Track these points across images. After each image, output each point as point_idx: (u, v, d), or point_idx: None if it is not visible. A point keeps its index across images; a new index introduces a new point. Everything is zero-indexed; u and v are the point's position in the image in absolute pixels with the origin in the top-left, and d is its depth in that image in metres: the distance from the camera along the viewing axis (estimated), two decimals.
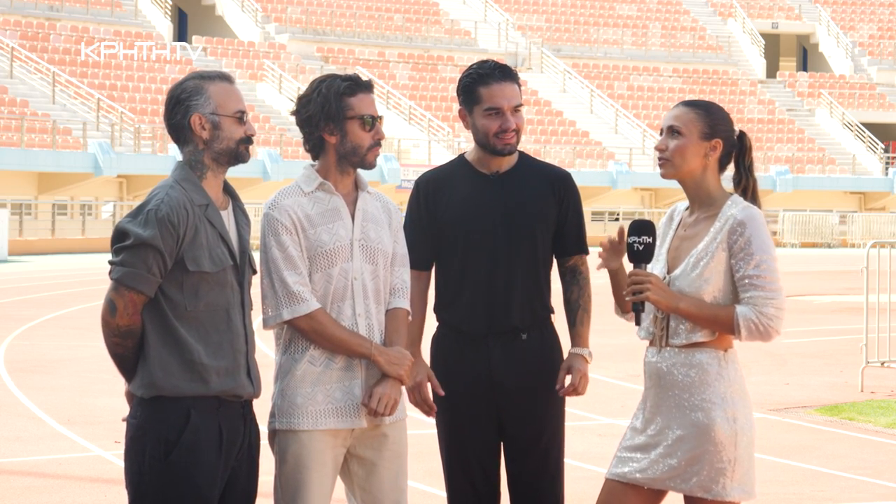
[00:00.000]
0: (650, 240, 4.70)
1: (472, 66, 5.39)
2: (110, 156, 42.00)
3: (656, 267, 4.80)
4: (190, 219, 4.46)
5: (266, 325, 4.84)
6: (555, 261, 5.46)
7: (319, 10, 58.98)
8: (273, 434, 4.85)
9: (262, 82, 52.89)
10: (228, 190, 4.68)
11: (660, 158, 4.76)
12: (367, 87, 4.91)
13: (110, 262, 4.45)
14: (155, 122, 45.62)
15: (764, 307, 4.62)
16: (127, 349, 4.47)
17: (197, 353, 4.46)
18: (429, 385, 5.34)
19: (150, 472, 4.45)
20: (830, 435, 10.53)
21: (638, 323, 4.77)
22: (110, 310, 4.43)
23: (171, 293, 4.46)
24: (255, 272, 4.72)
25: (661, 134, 4.78)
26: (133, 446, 4.49)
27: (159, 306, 4.46)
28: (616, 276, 4.91)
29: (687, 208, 4.86)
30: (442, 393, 5.30)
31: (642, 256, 4.70)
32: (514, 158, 5.41)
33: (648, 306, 4.75)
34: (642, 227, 4.71)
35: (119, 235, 4.45)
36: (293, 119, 4.99)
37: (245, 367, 4.58)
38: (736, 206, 4.70)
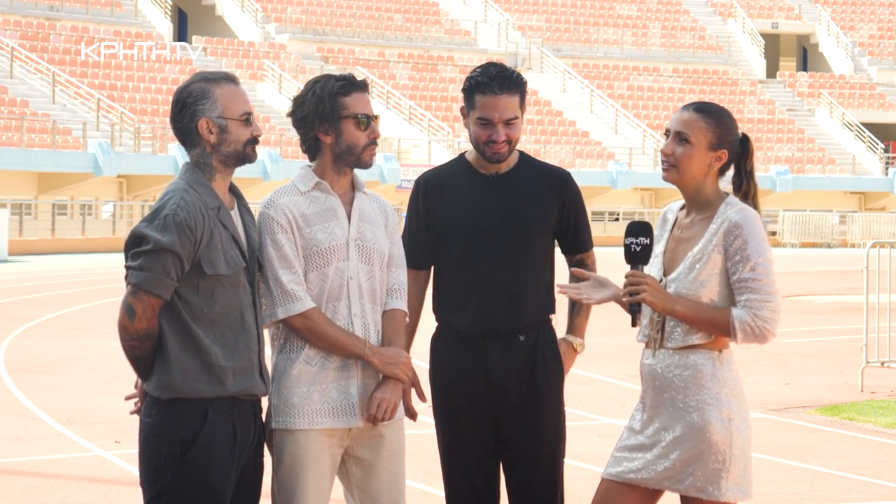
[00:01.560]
0: (647, 241, 4.70)
1: (477, 68, 5.32)
2: (110, 156, 42.00)
3: (652, 269, 4.79)
4: (206, 223, 4.49)
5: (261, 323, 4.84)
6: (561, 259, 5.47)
7: (319, 10, 58.96)
8: (269, 434, 4.85)
9: (262, 82, 52.89)
10: (233, 189, 4.71)
11: (664, 162, 4.75)
12: (361, 86, 4.91)
13: (127, 267, 4.46)
14: (155, 122, 45.62)
15: (759, 310, 4.61)
16: (145, 351, 4.50)
17: (214, 355, 4.49)
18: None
19: (167, 471, 4.48)
20: (830, 435, 10.52)
21: (634, 324, 4.77)
22: (129, 314, 4.45)
23: (188, 296, 4.48)
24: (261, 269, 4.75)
25: (666, 135, 4.75)
26: (147, 446, 4.52)
27: (176, 309, 4.48)
28: (621, 301, 4.86)
29: (682, 208, 4.86)
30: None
31: (639, 258, 4.70)
32: (514, 159, 5.37)
33: (645, 308, 4.75)
34: (639, 229, 4.71)
35: (136, 240, 4.45)
36: None
37: (258, 366, 4.62)
38: (731, 208, 4.69)
